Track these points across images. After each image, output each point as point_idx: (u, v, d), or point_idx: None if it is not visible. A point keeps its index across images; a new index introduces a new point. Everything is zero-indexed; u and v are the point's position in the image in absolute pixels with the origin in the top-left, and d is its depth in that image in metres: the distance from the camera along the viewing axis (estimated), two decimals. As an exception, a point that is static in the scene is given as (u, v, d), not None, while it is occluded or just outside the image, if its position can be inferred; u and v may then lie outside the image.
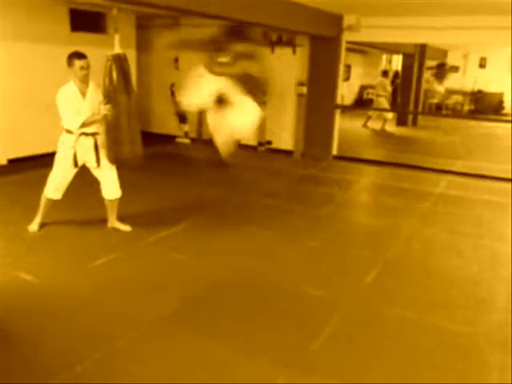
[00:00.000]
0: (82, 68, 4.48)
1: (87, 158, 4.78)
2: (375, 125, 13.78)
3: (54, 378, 2.80)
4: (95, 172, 4.90)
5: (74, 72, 4.51)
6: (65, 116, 4.56)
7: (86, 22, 8.40)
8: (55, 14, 7.92)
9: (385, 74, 14.67)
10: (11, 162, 7.55)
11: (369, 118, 13.93)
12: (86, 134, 4.66)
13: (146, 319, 3.46)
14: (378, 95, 13.86)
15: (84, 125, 4.53)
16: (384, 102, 13.69)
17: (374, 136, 13.17)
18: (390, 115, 13.71)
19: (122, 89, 4.45)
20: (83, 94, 4.58)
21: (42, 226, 4.99)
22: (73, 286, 3.91)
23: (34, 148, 7.53)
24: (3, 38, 7.18)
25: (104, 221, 5.14)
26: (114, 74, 4.40)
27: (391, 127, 13.95)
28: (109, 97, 4.43)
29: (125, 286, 3.98)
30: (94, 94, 4.61)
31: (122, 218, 5.14)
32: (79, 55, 4.50)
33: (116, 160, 4.68)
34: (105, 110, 4.44)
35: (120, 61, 4.46)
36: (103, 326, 3.36)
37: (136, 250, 4.67)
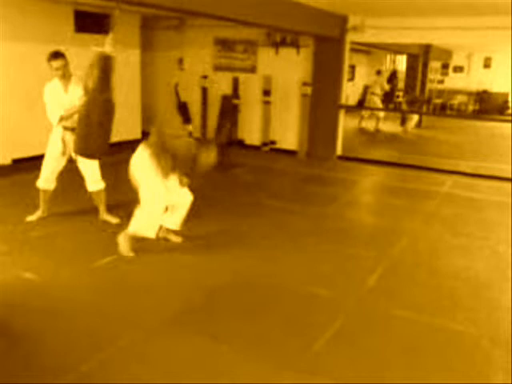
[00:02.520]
0: (57, 68, 4.66)
1: (71, 151, 4.87)
2: (369, 125, 13.77)
3: (58, 378, 2.80)
4: (79, 165, 4.99)
5: (52, 71, 4.70)
6: (48, 110, 4.80)
7: (90, 23, 8.42)
8: (60, 15, 7.95)
9: (378, 73, 14.83)
10: (16, 161, 7.58)
11: (362, 117, 13.91)
12: (66, 128, 4.82)
13: (148, 320, 3.46)
14: (372, 93, 13.87)
15: (62, 118, 4.73)
16: (377, 101, 13.69)
17: (375, 136, 13.13)
18: (381, 114, 13.62)
19: (100, 87, 4.43)
20: (65, 89, 4.77)
21: (44, 223, 5.04)
22: (75, 286, 3.92)
23: (39, 148, 7.51)
24: (8, 39, 7.20)
25: (107, 221, 5.16)
26: (96, 72, 4.38)
27: (396, 127, 13.94)
28: (86, 92, 4.43)
29: (127, 286, 3.99)
30: (76, 88, 4.72)
31: (123, 217, 5.15)
32: (54, 55, 4.64)
33: (80, 152, 4.62)
34: (79, 102, 4.48)
35: (105, 60, 4.44)
36: (106, 327, 3.36)
37: (139, 250, 4.66)
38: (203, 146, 4.43)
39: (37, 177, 5.09)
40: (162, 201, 4.40)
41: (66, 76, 4.76)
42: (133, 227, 4.40)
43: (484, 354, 3.22)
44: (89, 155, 4.64)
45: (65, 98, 4.78)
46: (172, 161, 4.32)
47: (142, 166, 4.36)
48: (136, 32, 9.50)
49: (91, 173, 5.03)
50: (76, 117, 4.59)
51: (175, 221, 4.68)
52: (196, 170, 4.49)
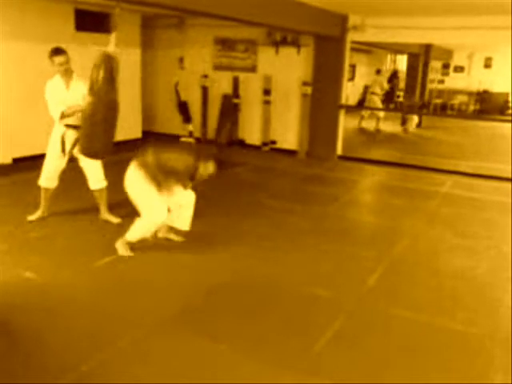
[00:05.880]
0: (60, 64, 4.67)
1: (74, 149, 4.88)
2: (369, 125, 13.66)
3: (58, 378, 2.79)
4: (81, 163, 4.98)
5: (55, 67, 4.70)
6: (49, 107, 4.79)
7: (90, 21, 8.42)
8: (60, 13, 7.94)
9: (378, 72, 14.75)
10: (16, 160, 7.57)
11: (362, 117, 13.82)
12: (69, 126, 4.81)
13: (148, 320, 3.45)
14: (372, 93, 13.78)
15: (64, 115, 4.71)
16: (377, 101, 13.62)
17: (375, 136, 13.10)
18: (381, 113, 13.47)
19: (105, 87, 4.42)
20: (67, 85, 4.79)
21: (45, 223, 5.03)
22: (75, 286, 3.92)
23: (39, 147, 7.50)
24: (8, 38, 7.20)
25: (108, 220, 5.16)
26: (101, 72, 4.38)
27: (396, 127, 13.92)
28: (91, 92, 4.42)
29: (127, 286, 3.98)
30: (78, 85, 4.74)
31: (124, 217, 5.15)
32: (57, 51, 4.67)
33: (84, 152, 4.64)
34: (84, 102, 4.47)
35: (109, 60, 4.44)
36: (106, 326, 3.35)
37: (139, 249, 4.66)
38: (201, 160, 4.41)
39: (37, 176, 5.08)
40: (160, 213, 4.39)
41: (68, 72, 4.77)
42: (131, 236, 4.44)
43: (484, 354, 3.22)
44: (93, 155, 4.66)
45: (66, 94, 4.78)
46: (171, 176, 4.36)
47: (137, 184, 4.37)
48: (136, 31, 9.50)
49: (94, 171, 5.03)
50: (79, 115, 4.60)
51: (184, 221, 4.70)
52: (196, 180, 4.52)
